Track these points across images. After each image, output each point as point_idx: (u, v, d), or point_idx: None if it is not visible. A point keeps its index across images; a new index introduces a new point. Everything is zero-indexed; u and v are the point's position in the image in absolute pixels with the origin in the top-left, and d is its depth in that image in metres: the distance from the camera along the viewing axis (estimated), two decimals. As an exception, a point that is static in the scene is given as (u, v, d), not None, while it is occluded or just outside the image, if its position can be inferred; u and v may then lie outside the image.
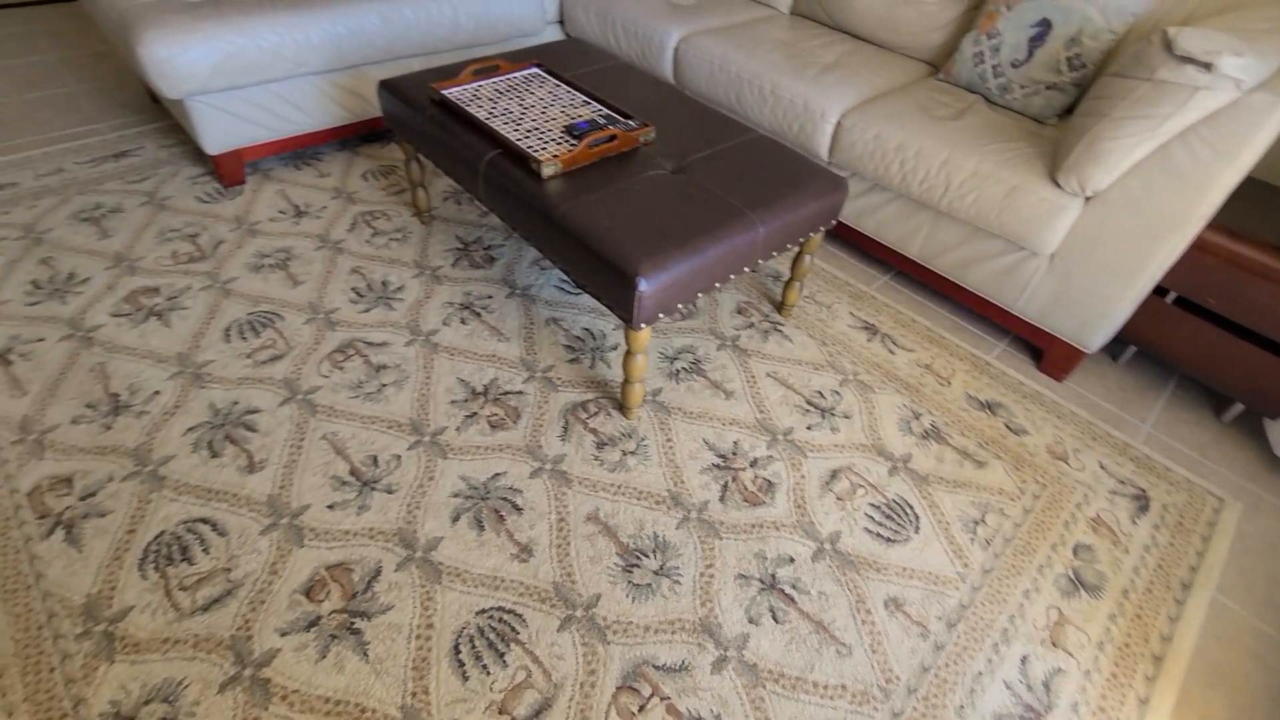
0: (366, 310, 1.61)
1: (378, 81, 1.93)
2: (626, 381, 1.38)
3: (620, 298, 1.20)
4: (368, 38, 1.93)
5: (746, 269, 1.37)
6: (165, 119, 2.22)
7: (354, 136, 2.16)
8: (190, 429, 1.31)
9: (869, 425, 1.49)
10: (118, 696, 0.96)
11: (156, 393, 1.37)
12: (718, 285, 1.33)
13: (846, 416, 1.51)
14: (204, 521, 1.17)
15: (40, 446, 1.25)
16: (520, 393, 1.47)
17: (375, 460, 1.30)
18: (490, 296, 1.70)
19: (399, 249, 1.80)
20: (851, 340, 1.72)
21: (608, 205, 1.29)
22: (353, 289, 1.67)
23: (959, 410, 1.56)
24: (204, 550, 1.13)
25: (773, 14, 2.36)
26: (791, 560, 1.22)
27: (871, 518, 1.31)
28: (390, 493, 1.25)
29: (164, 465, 1.24)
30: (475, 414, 1.41)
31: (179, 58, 1.63)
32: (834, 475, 1.38)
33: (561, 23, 2.49)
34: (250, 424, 1.33)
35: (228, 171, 1.90)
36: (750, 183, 1.41)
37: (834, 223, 1.62)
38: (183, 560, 1.11)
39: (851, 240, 1.98)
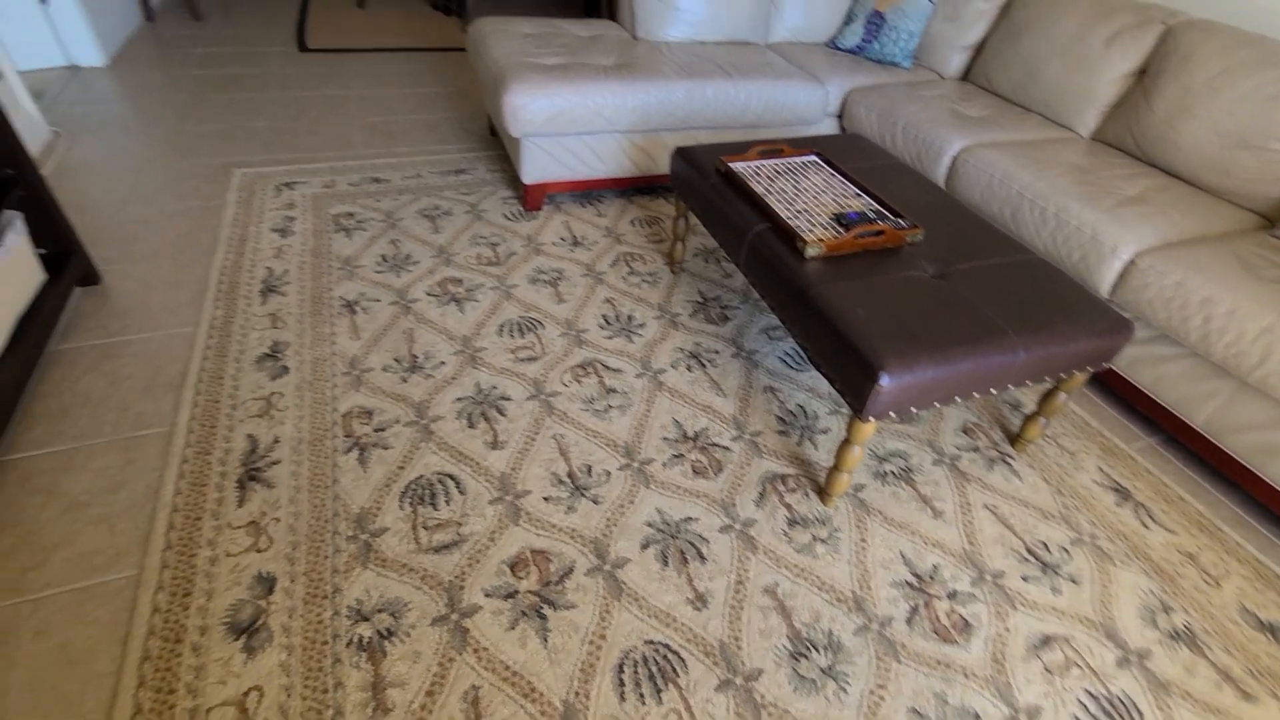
0: (610, 337, 1.81)
1: (673, 147, 2.20)
2: (835, 468, 1.37)
3: (856, 386, 1.22)
4: (671, 109, 2.21)
5: (993, 390, 1.31)
6: (496, 149, 2.72)
7: (632, 187, 2.47)
8: (458, 399, 1.58)
9: (1101, 600, 1.31)
10: (361, 597, 1.17)
11: (442, 363, 1.67)
12: (957, 399, 1.29)
13: (1074, 581, 1.34)
14: (451, 478, 1.39)
15: (359, 382, 1.59)
16: (726, 448, 1.53)
17: (589, 470, 1.44)
18: (717, 352, 1.81)
19: (648, 290, 2.00)
20: (1095, 498, 1.52)
21: (863, 295, 1.32)
22: (603, 316, 1.88)
23: (1228, 621, 1.30)
24: (446, 501, 1.35)
25: (1070, 137, 2.24)
26: (976, 718, 1.11)
27: (1085, 706, 1.14)
28: (596, 503, 1.38)
29: (435, 423, 1.51)
30: (682, 455, 1.50)
31: (529, 106, 2.02)
32: (1046, 641, 1.23)
33: (840, 116, 2.60)
34: (501, 408, 1.56)
35: (531, 198, 2.28)
36: (1017, 303, 1.35)
37: (1105, 366, 1.47)
38: (429, 504, 1.34)
39: (1117, 389, 1.77)
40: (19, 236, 1.48)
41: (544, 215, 2.32)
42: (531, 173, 2.21)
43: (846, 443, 1.32)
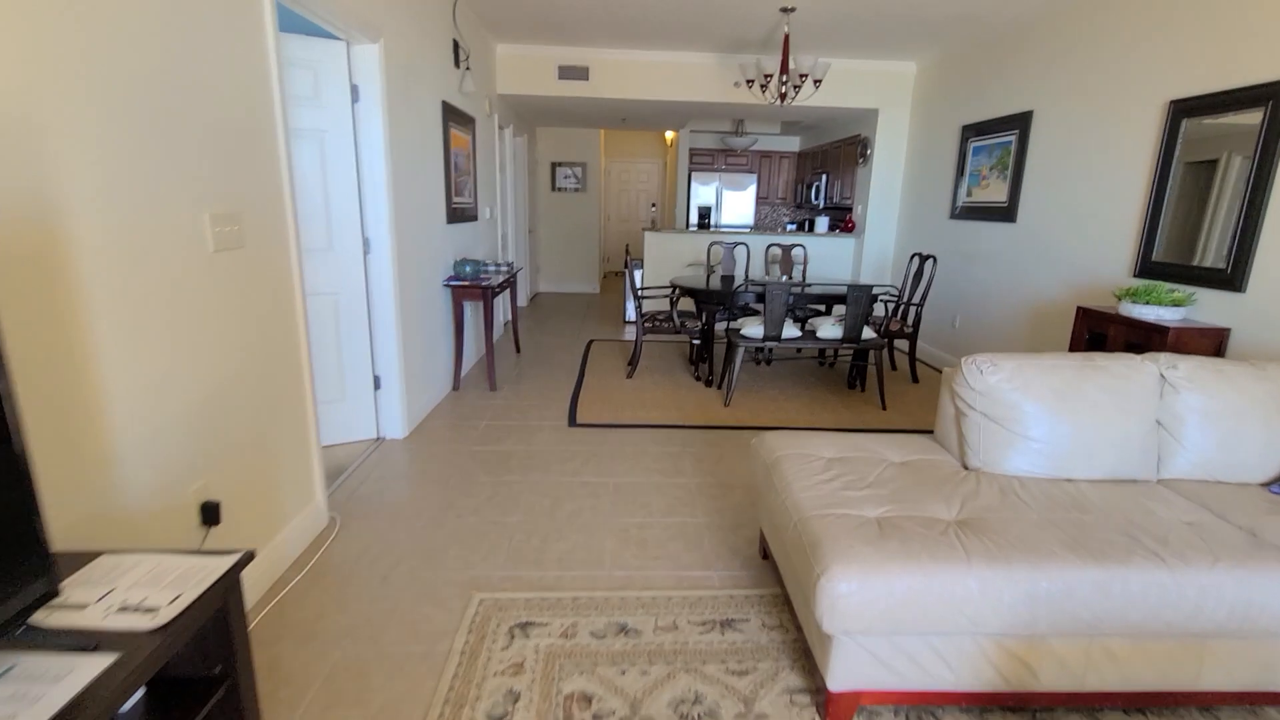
0: None
1: (1068, 655, 1.37)
2: None
3: None
4: (1071, 607, 1.44)
5: None
6: (771, 584, 2.13)
7: (992, 705, 1.61)
8: None
9: None
10: None
11: None
12: None
13: None
14: None
15: None
16: None
17: None
18: None
19: None
20: None
21: None
22: None
23: None
24: None
25: None
26: None
27: None
28: None
29: None
30: None
31: (855, 595, 1.41)
32: None
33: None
34: None
35: (837, 710, 1.53)
36: None
37: None
38: None
39: None
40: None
41: (853, 736, 1.53)
42: (843, 678, 1.50)
43: None
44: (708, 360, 4.69)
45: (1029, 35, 4.22)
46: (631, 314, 6.72)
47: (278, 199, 2.08)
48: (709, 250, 5.61)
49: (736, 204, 8.65)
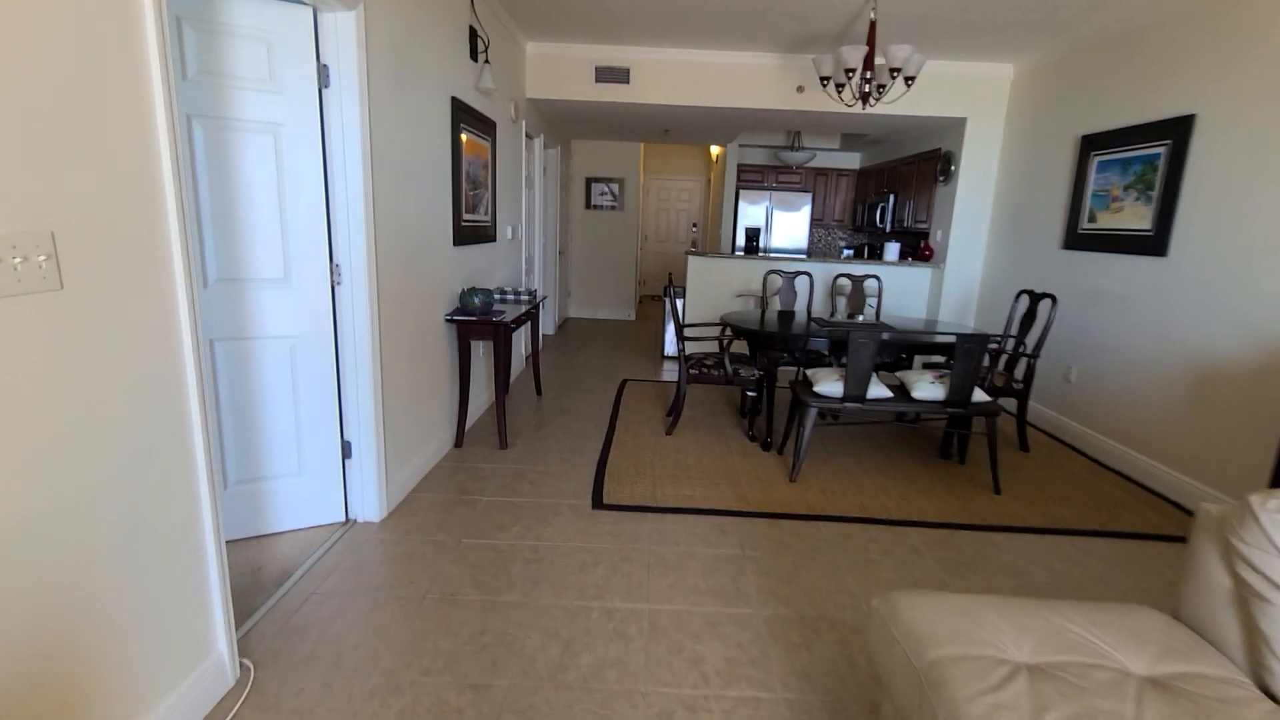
0: None
1: None
2: None
3: None
4: None
5: None
6: None
7: None
8: None
9: None
10: None
11: None
12: None
13: None
14: None
15: None
16: None
17: None
18: None
19: None
20: None
21: None
22: None
23: None
24: None
25: None
26: None
27: None
28: None
29: None
30: None
31: None
32: None
33: None
34: None
35: None
36: None
37: None
38: None
39: None
40: None
41: None
42: None
43: None
44: (762, 411, 3.86)
45: (1190, 21, 3.33)
46: (670, 346, 5.92)
47: (149, 214, 1.36)
48: (765, 279, 4.79)
49: (788, 226, 7.83)
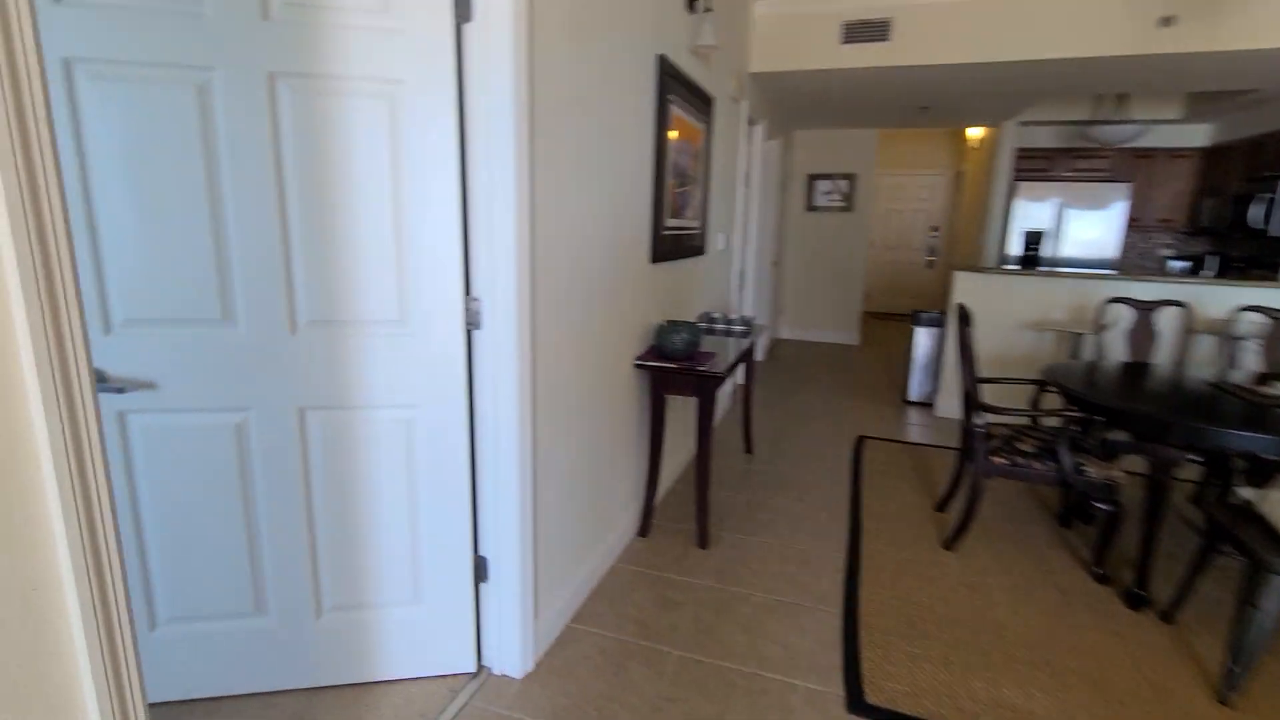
0: None
1: None
2: None
3: None
4: None
5: None
6: None
7: None
8: None
9: None
10: None
11: None
12: None
13: None
14: None
15: None
16: None
17: None
18: None
19: None
20: None
21: None
22: None
23: None
24: None
25: None
26: None
27: None
28: None
29: None
30: None
31: None
32: None
33: None
34: None
35: None
36: None
37: None
38: None
39: None
40: None
41: None
42: None
43: None
44: (1118, 530, 2.39)
45: None
46: (916, 388, 4.48)
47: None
48: (1103, 309, 3.19)
49: (1087, 229, 5.82)
